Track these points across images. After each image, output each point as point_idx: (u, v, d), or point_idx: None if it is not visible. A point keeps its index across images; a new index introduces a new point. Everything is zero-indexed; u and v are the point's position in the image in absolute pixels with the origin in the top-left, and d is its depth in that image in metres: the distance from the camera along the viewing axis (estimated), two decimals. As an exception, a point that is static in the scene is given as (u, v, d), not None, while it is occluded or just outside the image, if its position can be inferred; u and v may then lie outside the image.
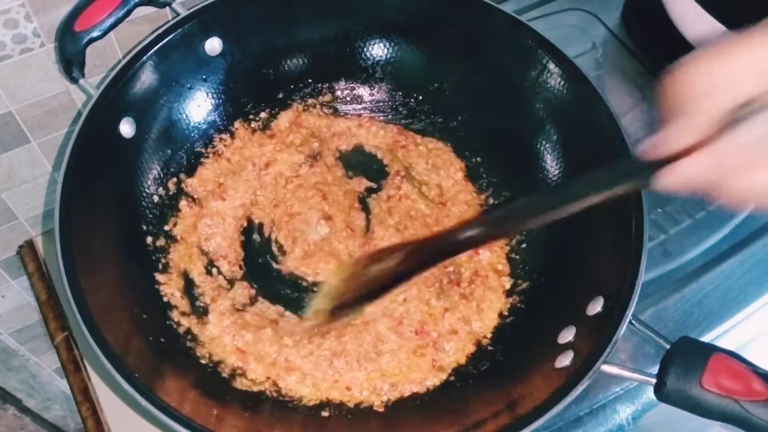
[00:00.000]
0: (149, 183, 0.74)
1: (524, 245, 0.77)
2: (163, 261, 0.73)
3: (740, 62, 0.41)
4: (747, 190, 0.42)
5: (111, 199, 0.69)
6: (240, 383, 0.67)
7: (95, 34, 0.67)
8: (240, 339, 0.69)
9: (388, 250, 0.70)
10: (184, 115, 0.77)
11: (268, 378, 0.68)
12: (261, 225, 0.78)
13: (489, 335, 0.72)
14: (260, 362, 0.68)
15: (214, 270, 0.74)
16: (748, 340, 0.76)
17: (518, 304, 0.74)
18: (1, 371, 1.04)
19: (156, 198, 0.75)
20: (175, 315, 0.70)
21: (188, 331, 0.69)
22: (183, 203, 0.77)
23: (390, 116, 0.86)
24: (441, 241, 0.67)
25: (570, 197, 0.50)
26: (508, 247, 0.78)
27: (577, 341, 0.62)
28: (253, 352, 0.69)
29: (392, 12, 0.81)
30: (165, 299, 0.70)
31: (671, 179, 0.43)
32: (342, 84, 0.86)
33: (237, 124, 0.82)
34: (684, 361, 0.54)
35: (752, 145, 0.41)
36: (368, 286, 0.66)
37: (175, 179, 0.77)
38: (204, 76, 0.78)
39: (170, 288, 0.71)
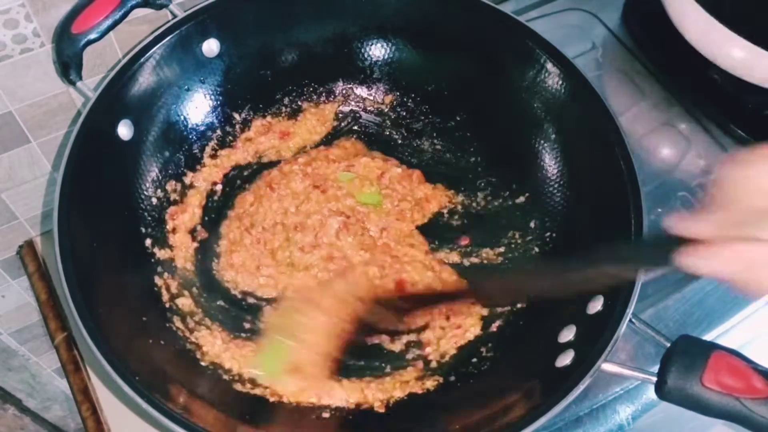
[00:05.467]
0: (148, 185, 0.74)
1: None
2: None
3: None
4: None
5: (110, 200, 0.69)
6: (241, 386, 0.67)
7: (93, 36, 0.67)
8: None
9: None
10: (182, 117, 0.77)
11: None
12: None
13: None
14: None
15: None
16: (749, 339, 0.76)
17: (518, 304, 0.74)
18: (1, 371, 1.04)
19: (154, 200, 0.75)
20: (176, 318, 0.69)
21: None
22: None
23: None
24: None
25: (591, 264, 0.56)
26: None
27: (578, 340, 0.62)
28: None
29: (390, 12, 0.80)
30: (165, 303, 0.70)
31: (694, 260, 0.45)
32: (340, 84, 0.86)
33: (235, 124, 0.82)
34: (684, 359, 0.54)
35: None
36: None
37: (173, 181, 0.77)
38: (202, 78, 0.78)
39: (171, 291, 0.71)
